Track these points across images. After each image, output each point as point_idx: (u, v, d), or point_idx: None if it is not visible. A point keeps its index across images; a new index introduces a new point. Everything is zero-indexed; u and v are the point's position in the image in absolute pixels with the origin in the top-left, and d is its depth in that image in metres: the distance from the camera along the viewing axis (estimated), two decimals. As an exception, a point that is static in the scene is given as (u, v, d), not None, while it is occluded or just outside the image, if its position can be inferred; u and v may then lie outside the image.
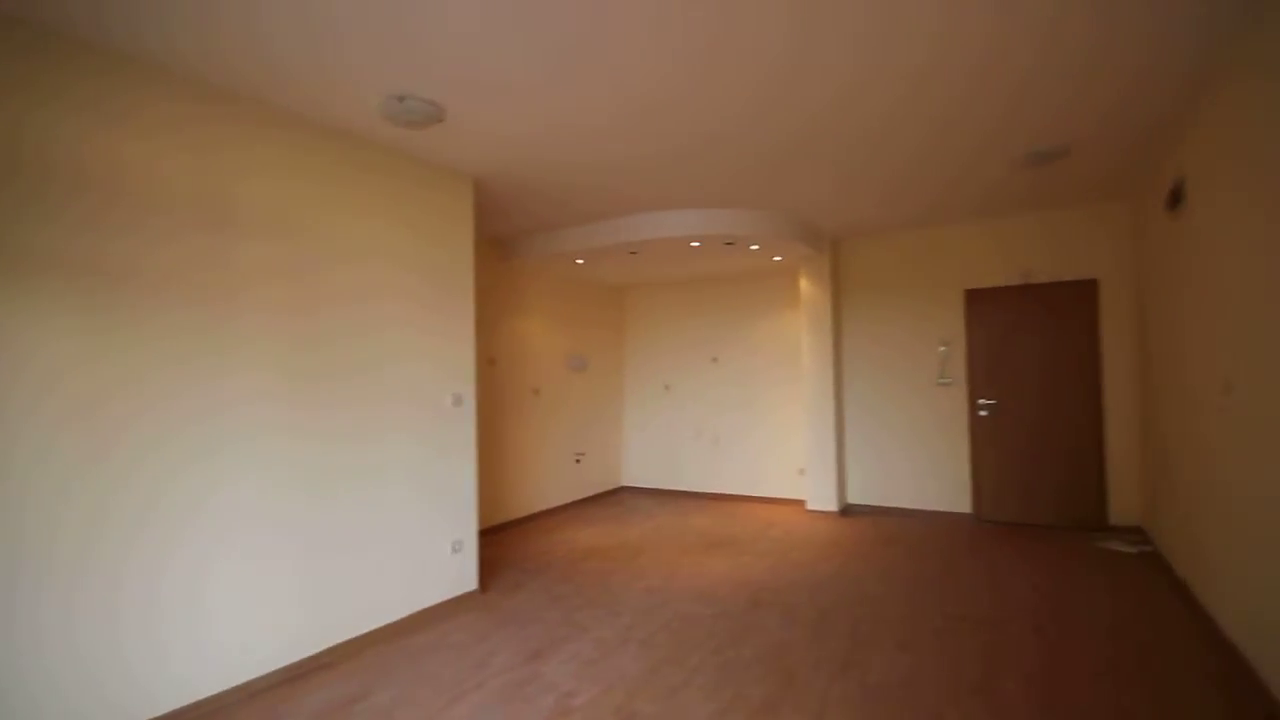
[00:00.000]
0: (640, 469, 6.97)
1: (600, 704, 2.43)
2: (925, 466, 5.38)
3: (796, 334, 6.04)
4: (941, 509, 5.31)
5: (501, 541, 4.92)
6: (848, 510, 5.60)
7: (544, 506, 5.87)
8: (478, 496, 3.79)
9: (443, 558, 3.47)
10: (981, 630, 3.02)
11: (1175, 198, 3.30)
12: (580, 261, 5.43)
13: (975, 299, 5.19)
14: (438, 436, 3.46)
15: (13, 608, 1.99)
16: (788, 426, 6.10)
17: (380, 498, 3.15)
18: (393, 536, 3.21)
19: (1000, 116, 3.06)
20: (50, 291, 2.09)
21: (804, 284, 5.67)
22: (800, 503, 5.91)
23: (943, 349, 5.30)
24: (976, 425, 5.17)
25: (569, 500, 6.22)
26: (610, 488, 6.87)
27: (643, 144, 3.29)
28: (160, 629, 2.33)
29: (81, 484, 2.14)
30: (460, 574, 3.58)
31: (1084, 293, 4.81)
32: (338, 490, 2.95)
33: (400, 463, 3.25)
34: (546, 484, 5.91)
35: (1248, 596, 2.50)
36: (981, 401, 5.15)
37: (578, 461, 6.34)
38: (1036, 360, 4.97)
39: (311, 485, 2.84)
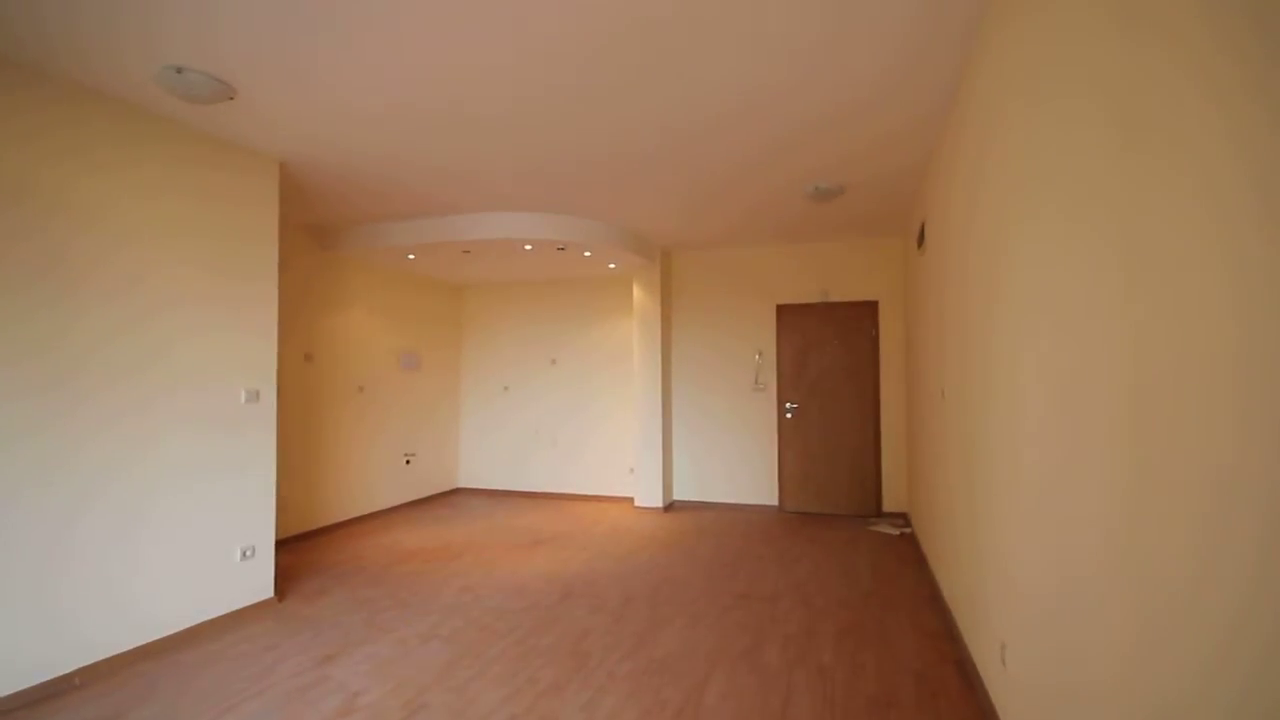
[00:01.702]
0: (478, 470, 6.89)
1: (388, 701, 2.43)
2: (741, 464, 5.90)
3: (629, 338, 6.34)
4: (753, 502, 5.86)
5: (315, 547, 4.63)
6: (672, 506, 5.99)
7: (369, 509, 5.61)
8: (283, 498, 3.57)
9: (230, 566, 3.23)
10: (760, 605, 3.41)
11: (920, 238, 3.99)
12: (411, 257, 5.29)
13: (785, 313, 5.82)
14: (226, 436, 3.22)
15: None
16: (621, 427, 6.37)
17: (150, 502, 2.87)
18: (167, 544, 2.93)
19: (790, 158, 3.52)
20: None
21: (637, 291, 5.98)
22: (629, 500, 6.21)
23: (758, 356, 5.86)
24: (784, 426, 5.79)
25: (398, 503, 5.99)
26: (445, 489, 6.72)
27: (456, 144, 3.32)
28: None
29: None
30: (252, 582, 3.34)
31: (868, 312, 5.59)
32: (91, 496, 2.65)
33: (177, 465, 2.98)
34: (372, 486, 5.65)
35: (954, 565, 3.09)
36: (788, 404, 5.77)
37: (408, 463, 6.13)
38: (831, 368, 5.67)
39: (57, 490, 2.53)
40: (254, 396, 3.35)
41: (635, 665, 2.72)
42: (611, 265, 5.75)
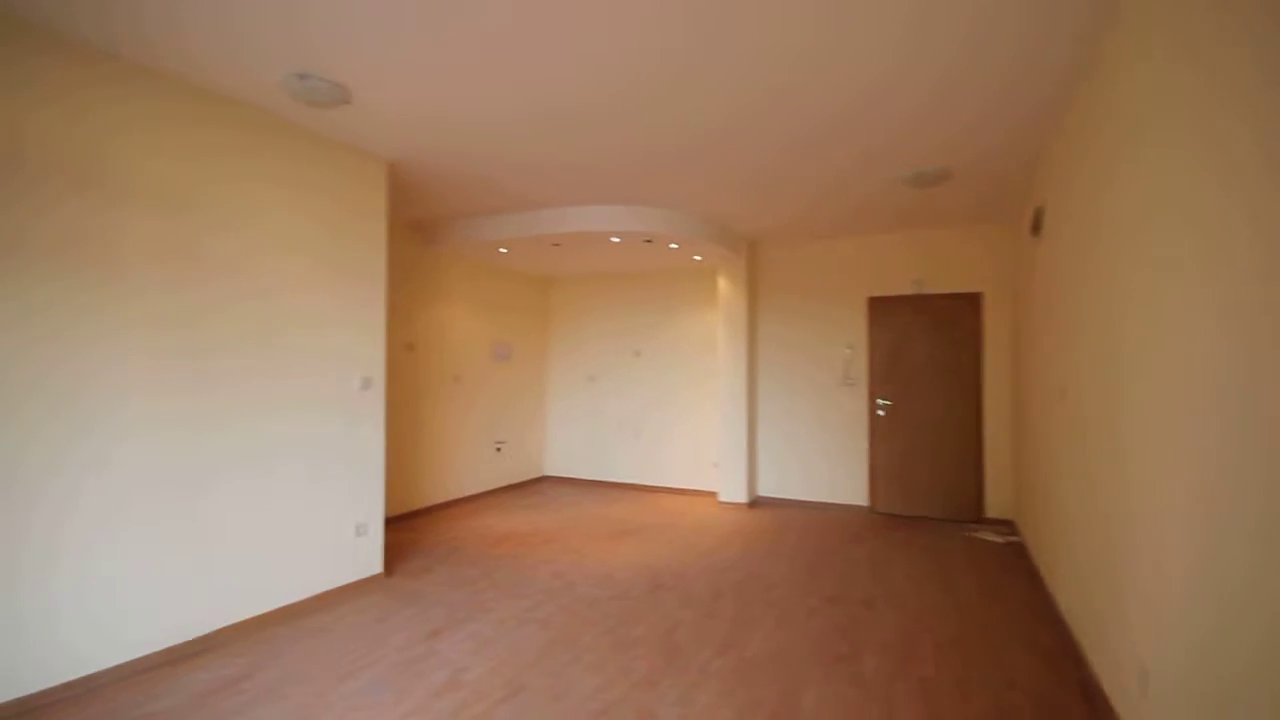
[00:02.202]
0: (563, 459, 7.06)
1: (490, 679, 2.53)
2: (828, 462, 5.73)
3: (713, 331, 6.28)
4: (841, 501, 5.67)
5: (415, 527, 4.91)
6: (756, 502, 5.90)
7: (462, 494, 5.88)
8: (387, 481, 3.80)
9: (345, 541, 3.47)
10: (853, 610, 3.30)
11: (1036, 225, 3.69)
12: (504, 251, 5.46)
13: (877, 306, 5.57)
14: (343, 419, 3.45)
15: None
16: (705, 421, 6.34)
17: (277, 479, 3.13)
18: (293, 519, 3.19)
19: (898, 143, 3.34)
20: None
21: (722, 284, 5.90)
22: (713, 494, 6.17)
23: (848, 351, 5.65)
24: (875, 424, 5.56)
25: (489, 488, 6.25)
26: (532, 477, 6.94)
27: (554, 140, 3.38)
28: (52, 600, 2.26)
29: (-57, 457, 2.06)
30: (365, 557, 3.58)
31: (970, 304, 5.25)
32: (230, 471, 2.92)
33: (300, 444, 3.23)
34: (466, 471, 5.92)
35: (1076, 580, 2.86)
36: (880, 401, 5.53)
37: (498, 450, 6.37)
38: (928, 364, 5.38)
39: (202, 466, 2.80)
40: (367, 384, 3.58)
41: (727, 663, 2.70)
42: (697, 257, 5.70)
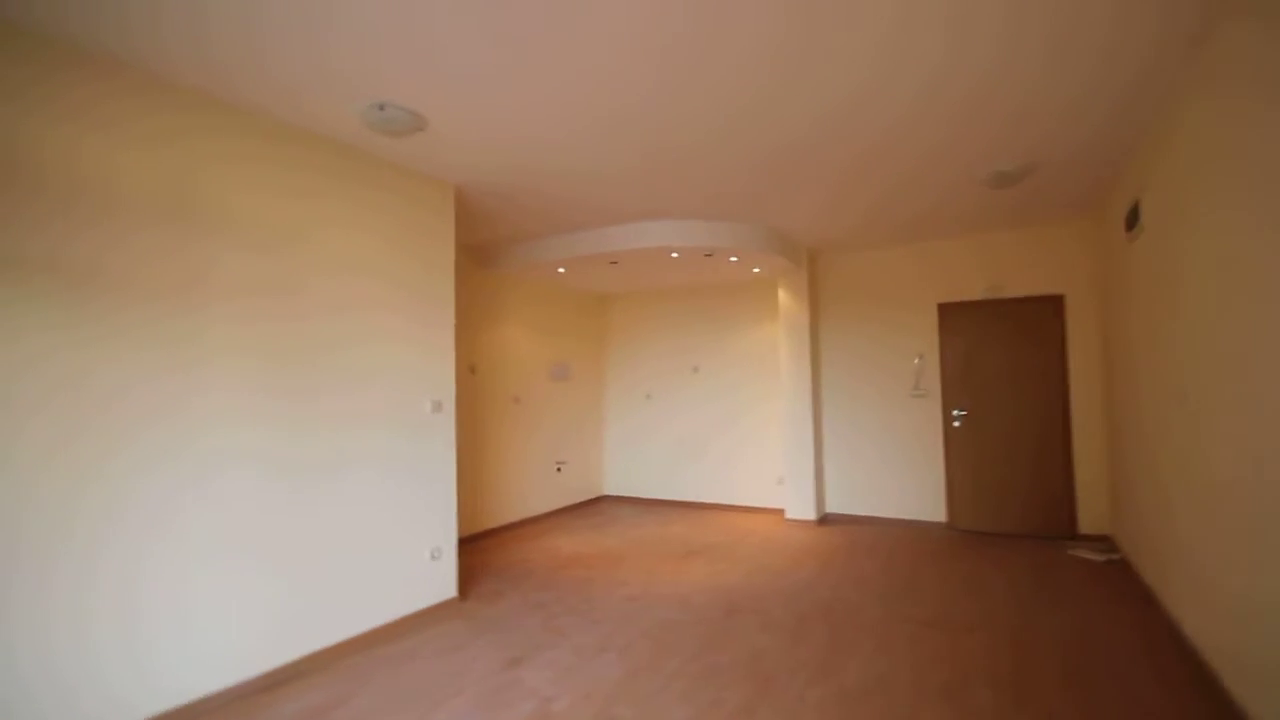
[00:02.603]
0: (622, 478, 6.98)
1: (580, 709, 2.44)
2: (901, 476, 5.48)
3: (774, 345, 6.13)
4: (916, 518, 5.40)
5: (482, 549, 4.90)
6: (825, 519, 5.68)
7: (525, 515, 5.86)
8: (458, 504, 3.79)
9: (421, 566, 3.46)
10: (955, 636, 3.08)
11: (1132, 219, 3.45)
12: (562, 270, 5.47)
13: (948, 312, 5.33)
14: (417, 444, 3.46)
15: (-19, 614, 1.96)
16: (767, 436, 6.17)
17: (357, 505, 3.14)
18: (370, 545, 3.19)
19: (978, 138, 3.19)
20: (35, 291, 2.08)
21: (782, 296, 5.76)
22: (779, 512, 5.97)
23: (918, 360, 5.42)
24: (950, 435, 5.29)
25: (550, 509, 6.21)
26: (591, 496, 6.88)
27: (621, 153, 3.35)
28: (138, 633, 2.30)
29: (46, 486, 2.12)
30: (439, 582, 3.56)
31: (1051, 307, 4.97)
32: (314, 498, 2.94)
33: (377, 471, 3.25)
34: (527, 492, 5.90)
35: (1206, 603, 2.60)
36: (955, 412, 5.27)
37: (559, 470, 6.34)
38: (1006, 372, 5.10)
39: (287, 492, 2.83)
40: (438, 407, 3.59)
41: (825, 692, 2.54)
42: (756, 270, 5.59)
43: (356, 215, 3.17)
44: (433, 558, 3.53)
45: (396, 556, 3.33)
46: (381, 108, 2.63)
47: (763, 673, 2.73)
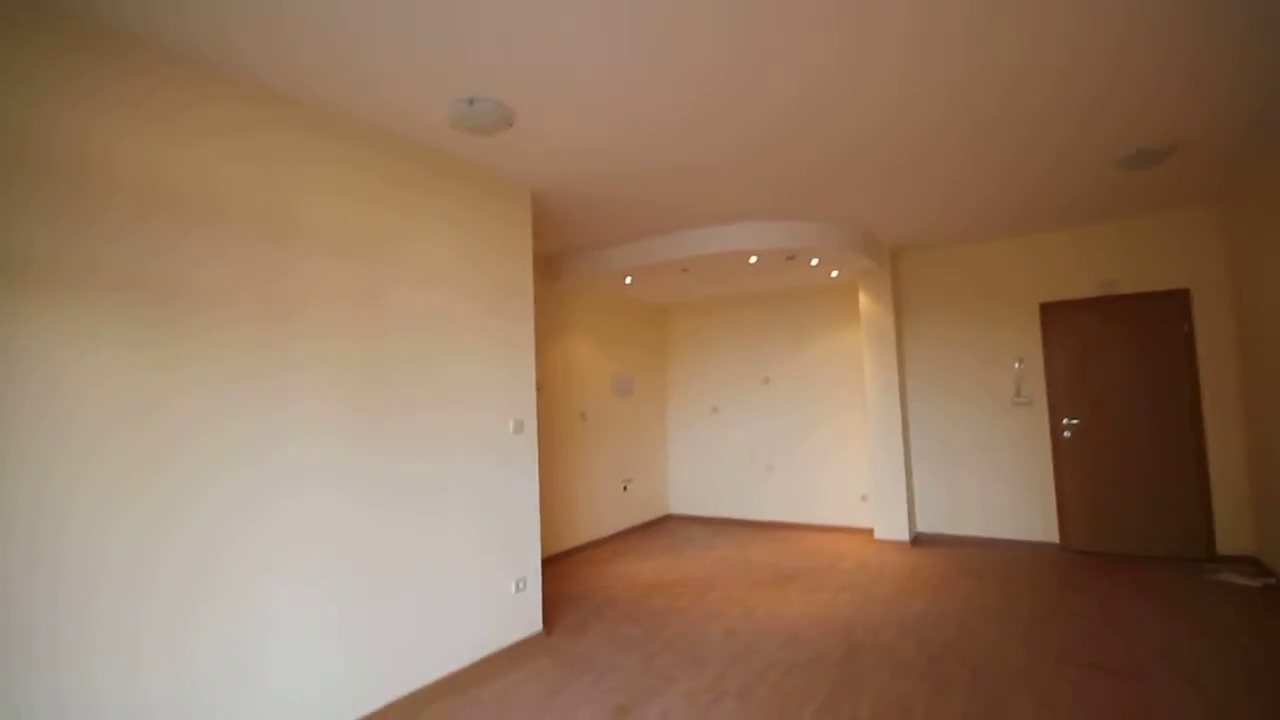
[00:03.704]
0: (688, 496, 6.64)
1: (713, 775, 2.12)
2: (1002, 492, 5.02)
3: (852, 353, 5.75)
4: (1023, 538, 4.93)
5: (558, 575, 4.62)
6: (918, 540, 5.24)
7: (593, 537, 5.57)
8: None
9: (507, 598, 3.19)
10: (1125, 683, 2.66)
11: (1308, 194, 3.01)
12: (629, 280, 5.21)
13: (1052, 312, 4.88)
14: (499, 465, 3.20)
15: (54, 657, 1.74)
16: (846, 450, 5.77)
17: (442, 535, 2.89)
18: (455, 578, 2.93)
19: (1104, 114, 2.82)
20: (101, 304, 1.88)
21: (864, 300, 5.39)
22: (866, 531, 5.55)
23: (1019, 365, 4.98)
24: (1059, 447, 4.82)
25: (618, 529, 5.91)
26: (657, 516, 6.55)
27: (704, 148, 3.07)
28: (214, 684, 2.07)
29: (125, 518, 1.91)
30: (525, 614, 3.29)
31: (1174, 304, 4.49)
32: (398, 527, 2.70)
33: (462, 497, 3.00)
34: (595, 513, 5.62)
35: None
36: (1065, 421, 4.80)
37: (625, 489, 6.05)
38: (1123, 376, 4.63)
39: (372, 521, 2.59)
40: (520, 427, 3.33)
41: (999, 757, 2.16)
42: (834, 273, 5.24)
43: (435, 224, 2.96)
44: (518, 588, 3.25)
45: (482, 587, 3.06)
46: (471, 102, 2.40)
47: (913, 728, 2.36)
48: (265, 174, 2.29)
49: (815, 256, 4.62)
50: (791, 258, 4.59)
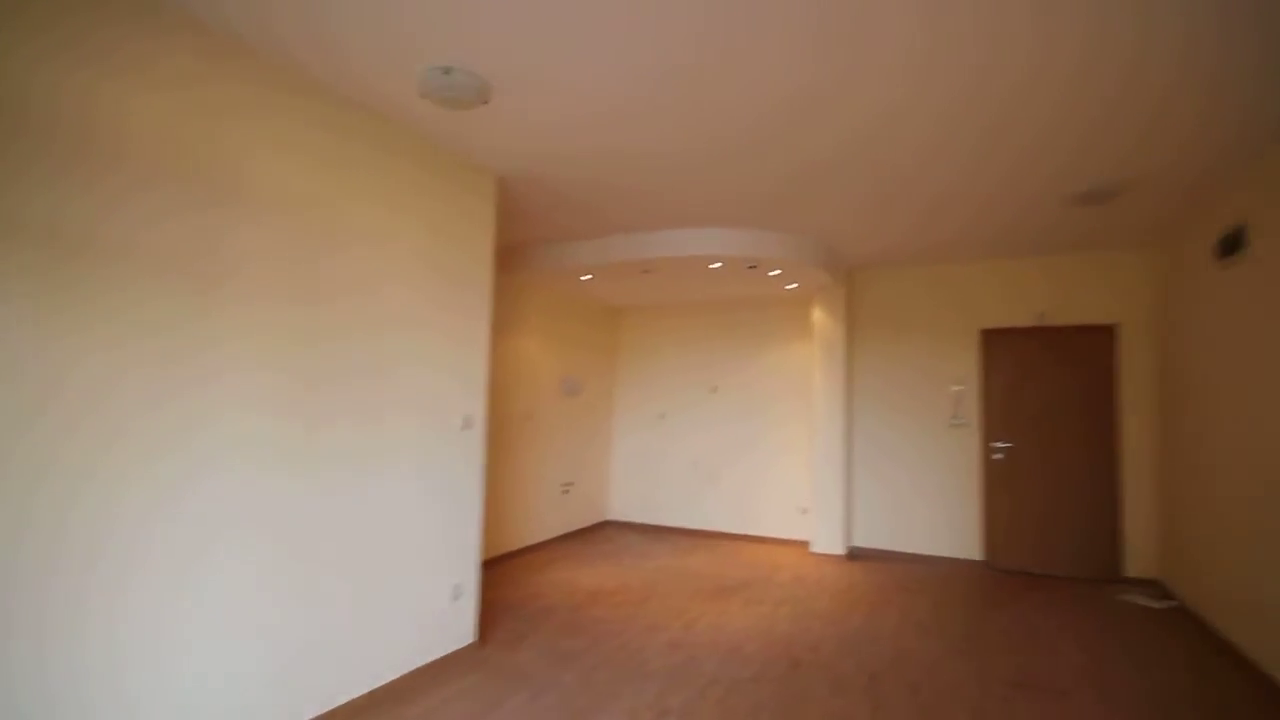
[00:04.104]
0: (629, 502, 6.55)
1: (657, 801, 2.02)
2: (934, 510, 5.18)
3: (801, 367, 5.82)
4: (951, 555, 5.11)
5: (493, 580, 4.42)
6: (854, 554, 5.34)
7: (532, 541, 5.39)
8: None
9: (442, 606, 3.00)
10: (1050, 701, 2.74)
11: (1230, 245, 3.22)
12: (587, 278, 5.08)
13: (991, 338, 5.09)
14: (444, 465, 3.01)
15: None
16: (789, 463, 5.83)
17: (377, 538, 2.68)
18: (389, 582, 2.73)
19: (1068, 153, 2.93)
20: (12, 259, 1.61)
21: (818, 314, 5.46)
22: (802, 544, 5.62)
23: (957, 388, 5.16)
24: (990, 469, 5.02)
25: (555, 534, 5.75)
26: (595, 521, 6.43)
27: (678, 138, 2.99)
28: (127, 683, 1.81)
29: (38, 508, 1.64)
30: (459, 625, 3.10)
31: (1103, 338, 4.76)
32: (331, 528, 2.48)
33: (401, 495, 2.79)
34: (535, 516, 5.44)
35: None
36: (996, 445, 5.01)
37: (565, 493, 5.90)
38: (1052, 404, 4.87)
39: (297, 520, 2.36)
40: (469, 423, 3.15)
41: (940, 780, 2.16)
42: (792, 286, 5.28)
43: (392, 199, 2.74)
44: (454, 596, 3.07)
45: (417, 594, 2.86)
46: (447, 71, 2.22)
47: (856, 749, 2.34)
48: (207, 130, 2.04)
49: (777, 268, 4.63)
50: (754, 267, 4.59)
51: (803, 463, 5.73)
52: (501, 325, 5.04)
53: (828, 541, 5.29)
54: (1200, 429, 3.79)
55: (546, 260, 4.72)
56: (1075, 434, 4.79)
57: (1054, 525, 4.80)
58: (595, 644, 3.32)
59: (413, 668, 2.84)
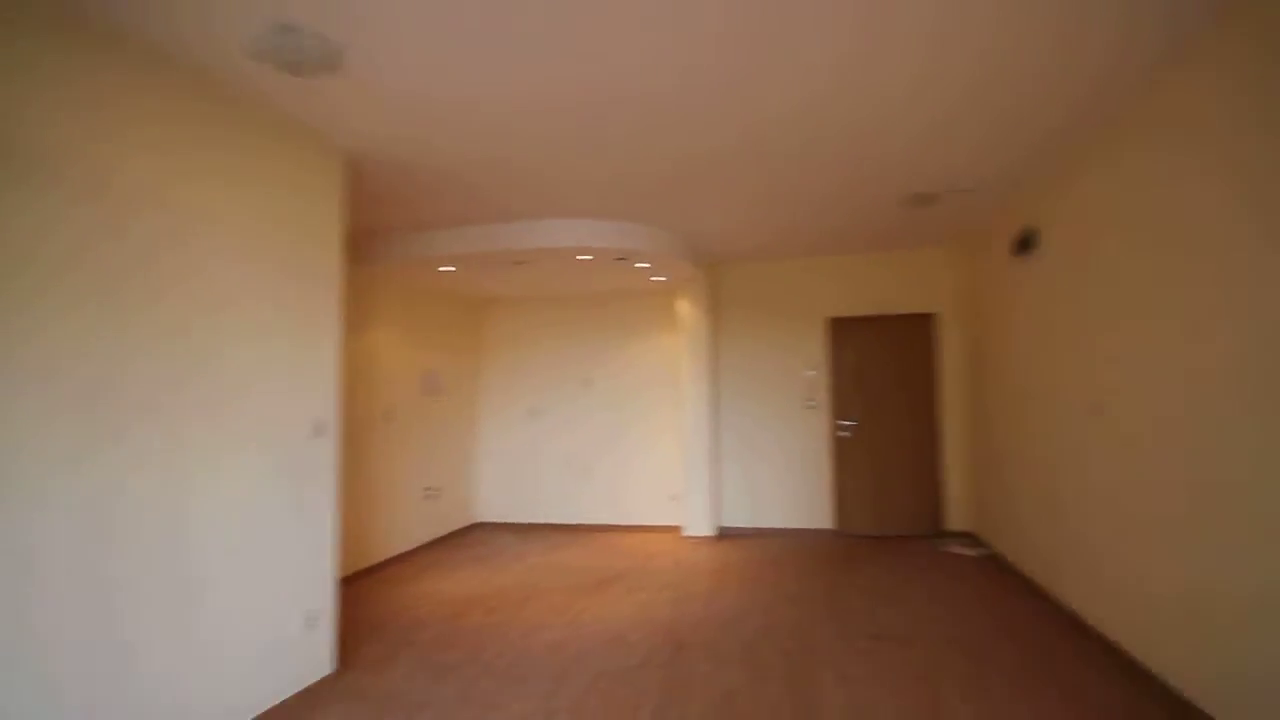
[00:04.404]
0: (499, 502, 6.33)
1: (553, 807, 1.95)
2: (792, 487, 5.58)
3: (668, 357, 5.97)
4: (808, 526, 5.54)
5: (353, 599, 4.02)
6: (724, 534, 5.60)
7: (395, 551, 5.00)
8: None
9: (291, 637, 2.67)
10: (902, 649, 3.06)
11: (1024, 245, 3.79)
12: (451, 269, 4.79)
13: (837, 327, 5.57)
14: (290, 479, 2.68)
15: None
16: (659, 452, 5.97)
17: (201, 569, 2.31)
18: (219, 621, 2.37)
19: (906, 164, 3.28)
20: None
21: (684, 306, 5.63)
22: (674, 529, 5.78)
23: (810, 373, 5.58)
24: (838, 446, 5.51)
25: (421, 542, 5.39)
26: (464, 525, 6.13)
27: (544, 117, 2.92)
28: None
29: None
30: (313, 656, 2.79)
31: (924, 325, 5.40)
32: (145, 563, 2.09)
33: (233, 516, 2.43)
34: (398, 525, 5.06)
35: (1122, 601, 2.83)
36: (842, 423, 5.50)
37: (431, 497, 5.55)
38: (888, 385, 5.45)
39: (102, 557, 1.96)
40: (320, 429, 2.82)
41: (817, 736, 2.32)
42: (660, 278, 5.38)
43: (223, 177, 2.36)
44: (308, 625, 2.74)
45: (257, 633, 2.51)
46: (288, 30, 1.94)
47: (745, 717, 2.44)
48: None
49: (646, 260, 4.69)
50: (622, 259, 4.60)
51: (672, 450, 5.90)
52: (356, 321, 4.61)
53: (699, 525, 5.49)
54: (996, 404, 4.45)
55: (405, 250, 4.38)
56: (907, 410, 5.40)
57: (891, 491, 5.38)
58: (474, 654, 3.15)
59: (260, 711, 2.49)
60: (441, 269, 4.75)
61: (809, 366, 5.59)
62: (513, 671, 2.94)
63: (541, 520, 6.20)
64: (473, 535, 5.91)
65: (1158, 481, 2.51)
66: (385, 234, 4.41)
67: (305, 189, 2.78)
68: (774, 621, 3.48)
